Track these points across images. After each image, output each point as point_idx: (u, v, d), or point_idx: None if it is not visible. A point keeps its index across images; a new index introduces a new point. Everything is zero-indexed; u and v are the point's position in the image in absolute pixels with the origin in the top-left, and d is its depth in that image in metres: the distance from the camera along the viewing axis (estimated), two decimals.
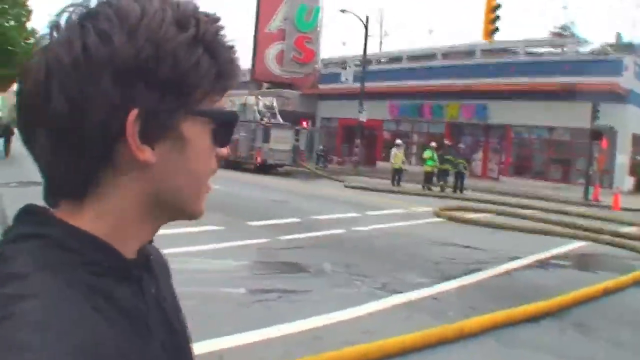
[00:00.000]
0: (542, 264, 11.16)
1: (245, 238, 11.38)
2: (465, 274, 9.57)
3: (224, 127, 0.91)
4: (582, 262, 12.30)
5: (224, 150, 0.95)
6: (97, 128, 0.77)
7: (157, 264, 1.02)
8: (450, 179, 29.23)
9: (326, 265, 9.65)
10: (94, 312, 0.75)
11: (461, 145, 32.01)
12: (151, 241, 0.95)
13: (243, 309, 6.99)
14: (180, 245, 10.07)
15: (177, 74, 0.81)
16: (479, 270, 9.92)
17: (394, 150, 30.68)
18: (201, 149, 0.88)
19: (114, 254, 0.83)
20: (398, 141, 31.83)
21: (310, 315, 6.64)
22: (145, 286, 0.90)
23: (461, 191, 28.27)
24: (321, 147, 43.46)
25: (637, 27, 62.22)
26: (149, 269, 0.94)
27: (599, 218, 19.93)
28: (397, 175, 30.05)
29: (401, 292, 8.02)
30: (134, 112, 0.78)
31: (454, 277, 9.22)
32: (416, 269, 9.82)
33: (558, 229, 15.97)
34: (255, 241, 11.27)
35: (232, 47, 0.89)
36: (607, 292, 8.70)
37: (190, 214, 0.93)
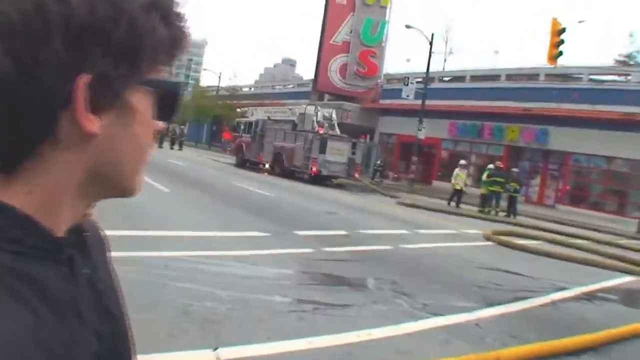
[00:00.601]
0: (589, 297, 10.89)
1: (289, 246, 11.42)
2: (509, 301, 9.41)
3: (169, 98, 0.86)
4: (630, 297, 12.02)
5: (160, 124, 0.89)
6: (44, 94, 0.71)
7: (93, 241, 0.94)
8: (504, 204, 28.84)
9: (368, 281, 9.61)
10: (11, 299, 0.68)
11: (514, 169, 31.58)
12: (86, 215, 0.88)
13: (277, 317, 6.98)
14: (221, 248, 10.22)
15: (133, 39, 0.76)
16: (523, 298, 9.74)
17: (457, 171, 30.42)
18: (146, 122, 0.84)
19: (39, 231, 0.76)
20: (462, 162, 31.53)
21: (345, 330, 6.60)
22: (77, 267, 0.82)
23: (514, 215, 27.90)
24: (378, 162, 43.37)
25: None
26: (82, 248, 0.87)
27: None
28: (456, 196, 29.80)
29: (442, 315, 7.90)
30: (84, 78, 0.73)
31: (497, 304, 9.06)
32: (460, 292, 9.68)
33: (608, 261, 15.62)
34: (299, 250, 11.29)
35: (184, 17, 0.84)
36: None
37: (126, 190, 0.87)
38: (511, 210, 28.34)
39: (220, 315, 6.64)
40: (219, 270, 8.80)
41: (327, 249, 11.82)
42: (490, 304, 8.97)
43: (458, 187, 29.77)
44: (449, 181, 43.25)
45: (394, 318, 7.49)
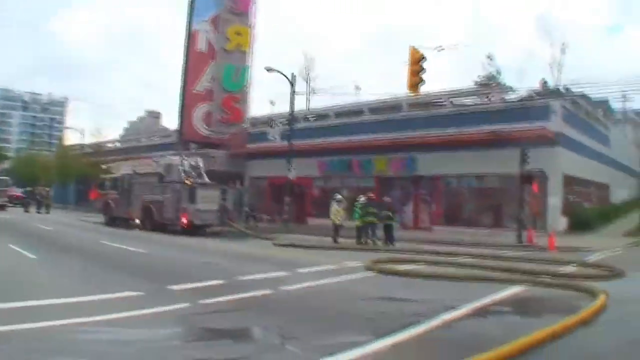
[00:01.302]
0: (482, 312, 10.57)
1: (166, 304, 10.42)
2: (402, 328, 8.85)
3: None
4: (523, 306, 11.83)
5: None
6: None
7: None
8: (380, 233, 28.81)
9: (253, 330, 8.86)
10: None
11: (386, 198, 31.69)
12: None
13: None
14: (94, 313, 9.27)
15: None
16: (415, 323, 9.23)
17: (335, 205, 30.31)
18: None
19: None
20: (338, 196, 31.45)
21: None
22: None
23: (392, 243, 27.91)
24: (247, 209, 42.71)
25: (562, 72, 63.52)
26: None
27: (535, 260, 19.79)
28: (337, 230, 29.63)
29: (336, 354, 7.23)
30: None
31: (390, 333, 8.48)
32: (350, 327, 9.13)
33: (495, 274, 15.56)
34: (176, 306, 10.32)
35: None
36: (556, 337, 8.14)
37: None
38: (389, 238, 28.33)
39: None
40: (93, 338, 7.94)
41: (205, 300, 10.94)
42: (383, 335, 8.38)
43: (338, 222, 29.50)
44: (324, 218, 43.38)
45: None
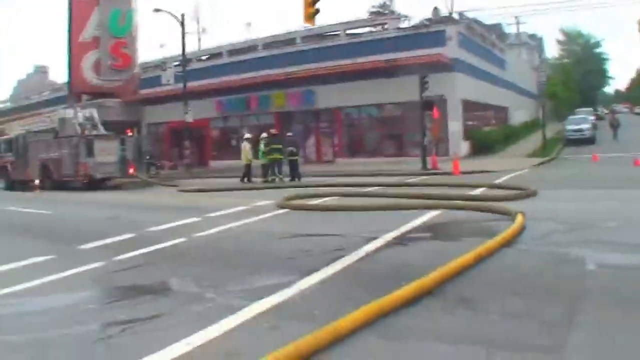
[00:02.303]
0: (402, 240, 10.53)
1: (79, 265, 9.82)
2: (325, 264, 8.67)
3: None
4: (441, 231, 11.80)
5: None
6: None
7: None
8: (286, 169, 28.68)
9: (171, 282, 8.42)
10: None
11: (289, 134, 31.50)
12: None
13: (83, 353, 5.72)
14: (3, 285, 8.69)
15: None
16: (338, 258, 9.07)
17: (245, 144, 30.06)
18: None
19: None
20: (247, 135, 30.96)
21: (162, 346, 5.50)
22: None
23: (299, 178, 27.85)
24: (147, 155, 41.70)
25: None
26: None
27: (445, 185, 20.02)
28: (248, 170, 29.51)
29: (262, 298, 6.98)
30: None
31: (315, 270, 8.29)
32: (272, 269, 8.88)
33: (407, 201, 15.56)
34: (89, 266, 9.79)
35: None
36: (481, 259, 8.16)
37: None
38: (295, 173, 28.24)
39: None
40: (5, 312, 7.37)
41: (119, 257, 10.47)
42: (307, 273, 8.19)
43: (247, 162, 29.26)
44: (226, 159, 43.06)
45: (213, 316, 6.43)
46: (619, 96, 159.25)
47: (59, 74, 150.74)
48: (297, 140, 32.42)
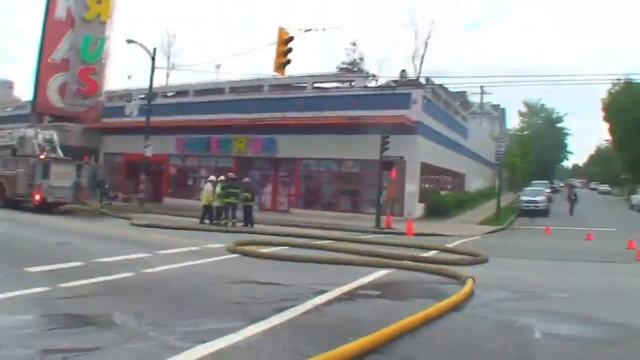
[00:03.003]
0: (351, 296, 10.51)
1: (22, 287, 9.66)
2: (272, 313, 8.61)
3: None
4: (391, 290, 11.86)
5: None
6: None
7: None
8: (240, 214, 28.52)
9: (115, 316, 8.25)
10: None
11: (246, 179, 31.38)
12: None
13: None
14: None
15: None
16: (286, 308, 9.01)
17: (208, 186, 29.80)
18: None
19: None
20: (211, 177, 30.63)
21: None
22: None
23: (252, 225, 27.70)
24: (104, 185, 41.21)
25: (423, 63, 65.67)
26: None
27: (397, 245, 20.06)
28: (206, 212, 29.24)
29: (206, 342, 6.87)
30: None
31: (260, 319, 8.20)
32: (218, 313, 8.78)
33: (359, 258, 15.57)
34: (33, 290, 9.63)
35: None
36: (429, 321, 8.20)
37: None
38: (249, 219, 28.12)
39: None
40: None
41: (65, 284, 10.28)
42: (254, 320, 8.11)
43: (208, 203, 29.10)
44: (180, 197, 42.75)
45: (154, 355, 6.34)
46: (576, 170, 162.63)
47: (23, 91, 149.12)
48: (254, 187, 32.34)
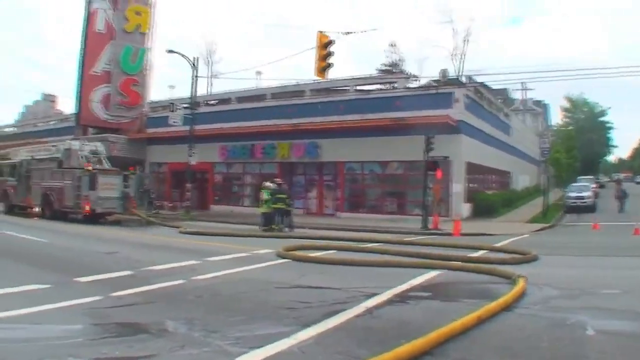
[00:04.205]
0: (402, 298, 10.43)
1: (73, 297, 9.82)
2: (324, 317, 8.62)
3: None
4: (441, 291, 11.72)
5: None
6: None
7: None
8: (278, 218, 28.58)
9: (168, 323, 8.31)
10: None
11: (283, 184, 31.24)
12: None
13: None
14: None
15: None
16: (338, 312, 9.01)
17: (262, 192, 29.75)
18: None
19: None
20: (267, 183, 30.58)
21: None
22: None
23: (291, 228, 27.78)
24: (151, 194, 41.67)
25: (464, 61, 65.26)
26: None
27: (445, 245, 19.92)
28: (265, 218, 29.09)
29: (258, 347, 6.91)
30: None
31: (313, 323, 8.22)
32: (270, 318, 8.81)
33: (409, 260, 15.50)
34: (84, 300, 9.76)
35: None
36: (481, 321, 8.13)
37: None
38: (289, 224, 28.21)
39: None
40: None
41: (115, 293, 10.42)
42: (306, 325, 8.13)
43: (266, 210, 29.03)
44: (226, 204, 43.09)
45: None
46: (621, 164, 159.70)
47: (66, 105, 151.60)
48: (291, 192, 32.34)
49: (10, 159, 40.00)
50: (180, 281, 12.16)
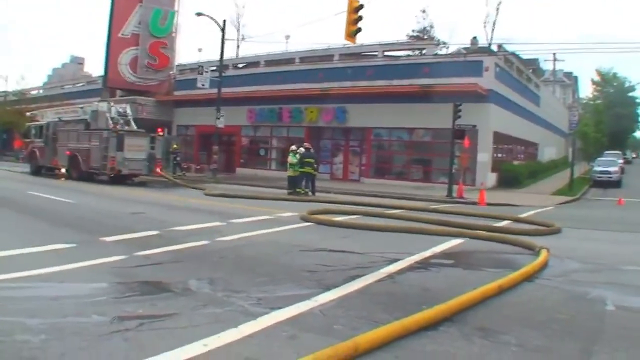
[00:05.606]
0: (424, 265, 10.49)
1: (99, 256, 9.94)
2: (345, 281, 8.70)
3: None
4: (464, 260, 11.69)
5: None
6: None
7: None
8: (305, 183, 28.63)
9: (191, 282, 8.44)
10: None
11: (311, 149, 31.18)
12: None
13: (99, 343, 5.65)
14: (23, 268, 8.75)
15: None
16: (359, 276, 9.08)
17: (291, 157, 29.77)
18: None
19: None
20: (293, 147, 30.53)
21: (179, 345, 5.51)
22: None
23: (313, 193, 27.80)
24: (177, 156, 41.80)
25: (495, 30, 64.47)
26: None
27: (470, 214, 19.92)
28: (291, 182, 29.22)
29: (280, 308, 6.99)
30: None
31: (335, 286, 8.31)
32: (292, 280, 8.86)
33: (432, 227, 15.52)
34: (110, 259, 9.87)
35: None
36: (502, 291, 8.16)
37: None
38: (313, 189, 28.28)
39: (36, 350, 5.35)
40: (24, 295, 7.43)
41: (140, 252, 10.56)
42: (327, 288, 8.22)
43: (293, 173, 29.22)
44: (252, 168, 43.30)
45: (231, 320, 6.45)
46: None
47: (94, 67, 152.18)
48: (317, 155, 32.28)
49: (37, 120, 40.25)
50: (205, 242, 12.27)
